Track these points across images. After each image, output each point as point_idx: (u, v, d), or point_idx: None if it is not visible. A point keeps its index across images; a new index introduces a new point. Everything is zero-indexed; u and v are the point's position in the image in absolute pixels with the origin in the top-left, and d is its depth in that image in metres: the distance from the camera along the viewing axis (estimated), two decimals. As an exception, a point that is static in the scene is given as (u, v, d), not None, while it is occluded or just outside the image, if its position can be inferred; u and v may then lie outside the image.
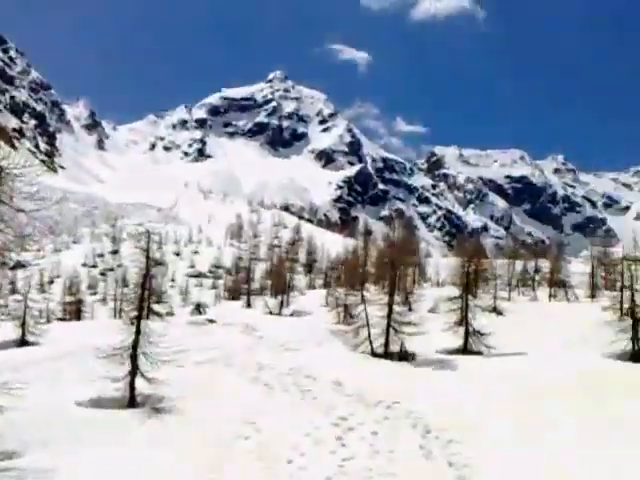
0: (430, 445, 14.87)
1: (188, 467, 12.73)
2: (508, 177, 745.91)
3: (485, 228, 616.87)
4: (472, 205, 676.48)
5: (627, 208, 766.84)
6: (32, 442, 14.81)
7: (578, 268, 74.21)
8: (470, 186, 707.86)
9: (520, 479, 12.63)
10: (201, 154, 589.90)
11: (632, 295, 31.38)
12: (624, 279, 40.82)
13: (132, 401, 19.22)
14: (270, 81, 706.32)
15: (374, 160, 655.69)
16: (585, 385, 23.20)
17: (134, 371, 19.39)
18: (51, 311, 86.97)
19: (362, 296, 31.66)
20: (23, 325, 39.32)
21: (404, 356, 29.38)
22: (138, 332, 19.65)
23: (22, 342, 38.20)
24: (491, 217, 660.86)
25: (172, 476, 12.26)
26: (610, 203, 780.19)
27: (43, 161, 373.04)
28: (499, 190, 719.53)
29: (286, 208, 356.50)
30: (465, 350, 31.78)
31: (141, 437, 15.43)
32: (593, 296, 62.95)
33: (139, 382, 19.27)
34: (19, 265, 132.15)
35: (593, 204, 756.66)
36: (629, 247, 50.21)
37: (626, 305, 32.16)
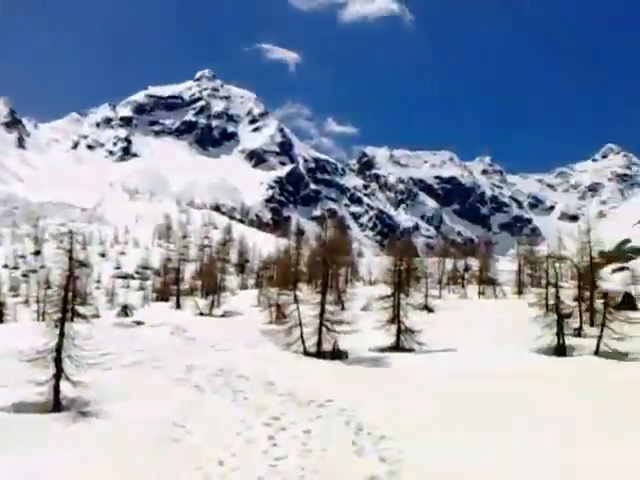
0: (362, 442, 14.92)
1: (116, 471, 12.36)
2: (438, 178, 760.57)
3: (416, 228, 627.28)
4: (403, 205, 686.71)
5: (551, 208, 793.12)
6: None
7: (506, 266, 76.31)
8: (401, 186, 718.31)
9: (450, 473, 12.73)
10: (126, 153, 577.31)
11: (556, 292, 32.36)
12: (549, 276, 42.12)
13: (57, 405, 18.51)
14: (198, 80, 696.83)
15: (306, 160, 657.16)
16: (514, 378, 23.78)
17: (58, 374, 18.68)
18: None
19: (294, 295, 31.61)
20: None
21: (337, 355, 29.46)
22: (62, 335, 18.99)
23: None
24: (422, 217, 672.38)
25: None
26: (535, 203, 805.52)
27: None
28: (429, 190, 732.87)
29: (216, 208, 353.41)
30: (397, 347, 32.09)
31: (65, 441, 14.89)
32: (520, 293, 64.83)
33: (64, 386, 18.57)
34: None
35: (519, 204, 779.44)
36: (553, 246, 52.19)
37: (551, 301, 33.16)
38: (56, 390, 18.65)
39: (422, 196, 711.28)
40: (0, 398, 19.16)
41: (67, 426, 16.05)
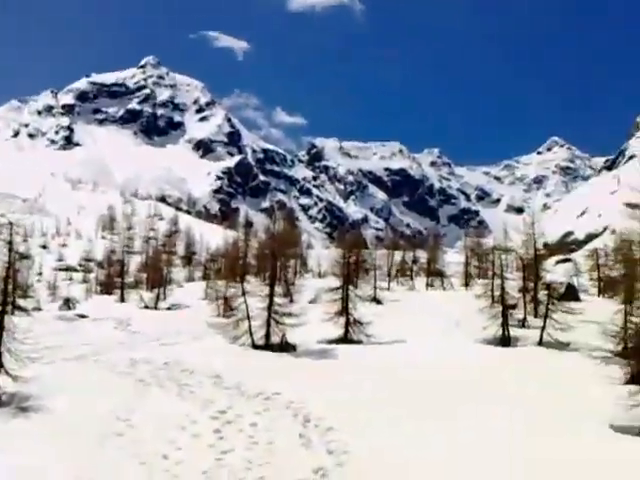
0: (309, 434, 14.92)
1: (58, 467, 12.02)
2: (387, 169, 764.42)
3: (365, 219, 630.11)
4: (353, 197, 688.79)
5: (498, 201, 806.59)
6: None
7: (453, 258, 77.44)
8: (350, 178, 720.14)
9: (397, 464, 12.79)
10: (69, 142, 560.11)
11: (502, 283, 32.98)
12: (495, 268, 42.87)
13: None
14: (142, 67, 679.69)
15: (254, 151, 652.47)
16: (460, 369, 24.09)
17: None
18: None
19: (242, 288, 31.32)
20: None
21: (285, 347, 29.37)
22: (2, 328, 18.44)
23: None
24: (371, 209, 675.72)
25: (41, 477, 11.52)
26: (483, 196, 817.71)
27: None
28: (379, 182, 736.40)
29: (162, 199, 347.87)
30: (345, 339, 32.21)
31: (6, 437, 14.43)
32: (467, 285, 65.79)
33: (4, 380, 18.00)
34: None
35: (467, 196, 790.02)
36: (499, 238, 53.02)
37: (497, 293, 33.74)
38: (-5, 386, 18.08)
39: (371, 188, 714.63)
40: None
41: (7, 421, 15.55)
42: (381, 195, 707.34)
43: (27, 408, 16.71)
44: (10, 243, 19.83)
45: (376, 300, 48.64)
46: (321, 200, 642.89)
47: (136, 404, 17.03)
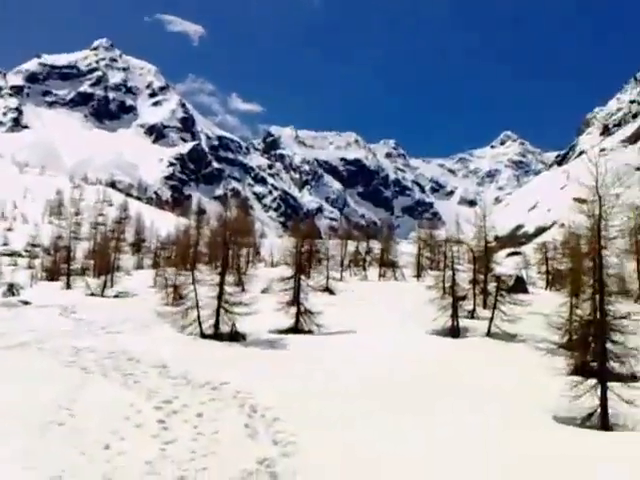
0: (256, 424, 14.77)
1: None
2: (343, 159, 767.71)
3: (320, 209, 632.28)
4: (308, 186, 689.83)
5: (452, 193, 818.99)
6: None
7: (406, 249, 78.17)
8: (306, 167, 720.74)
9: (342, 454, 12.77)
10: (17, 124, 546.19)
11: (453, 275, 33.38)
12: (446, 259, 43.40)
13: None
14: (95, 49, 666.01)
15: (209, 138, 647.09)
16: (410, 360, 24.24)
17: None
18: None
19: (193, 276, 30.95)
20: None
21: (234, 336, 29.14)
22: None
23: None
24: (326, 199, 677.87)
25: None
26: (437, 188, 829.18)
27: None
28: (334, 172, 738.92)
29: (112, 184, 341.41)
30: (296, 329, 32.16)
31: None
32: (419, 276, 66.55)
33: None
34: None
35: (422, 188, 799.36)
36: (452, 230, 53.64)
37: (448, 284, 34.12)
38: None
39: (327, 177, 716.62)
40: None
41: None
42: (336, 185, 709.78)
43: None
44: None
45: (328, 290, 48.75)
46: (276, 189, 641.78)
47: (79, 393, 16.62)
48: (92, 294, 53.23)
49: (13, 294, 55.06)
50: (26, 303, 43.64)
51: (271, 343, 27.88)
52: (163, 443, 12.94)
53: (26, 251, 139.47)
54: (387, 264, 70.78)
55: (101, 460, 11.68)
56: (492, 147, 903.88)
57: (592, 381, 16.07)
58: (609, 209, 16.92)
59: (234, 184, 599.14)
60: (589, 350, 17.85)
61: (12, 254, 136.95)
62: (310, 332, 31.90)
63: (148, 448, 12.54)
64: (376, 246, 77.24)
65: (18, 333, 28.30)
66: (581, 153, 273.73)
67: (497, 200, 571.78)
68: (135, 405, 15.72)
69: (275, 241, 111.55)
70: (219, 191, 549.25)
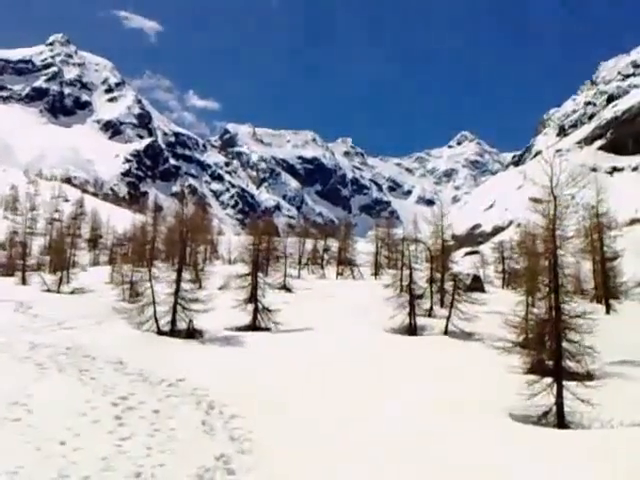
0: (213, 421, 14.84)
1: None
2: (300, 158, 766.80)
3: (278, 207, 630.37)
4: (265, 184, 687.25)
5: (409, 192, 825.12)
6: None
7: (364, 248, 78.42)
8: (263, 165, 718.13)
9: (298, 453, 12.88)
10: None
11: (410, 273, 33.72)
12: (404, 258, 43.81)
13: None
14: (50, 44, 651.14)
15: (165, 134, 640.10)
16: (367, 356, 24.46)
17: None
18: None
19: (149, 273, 30.69)
20: None
21: (191, 334, 28.99)
22: None
23: None
24: (284, 197, 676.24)
25: None
26: (394, 187, 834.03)
27: None
28: (292, 170, 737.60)
29: (68, 180, 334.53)
30: (254, 327, 32.13)
31: None
32: (377, 274, 67.00)
33: None
34: None
35: (379, 187, 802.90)
36: (409, 229, 54.28)
37: (405, 283, 34.44)
38: None
39: (284, 176, 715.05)
40: None
41: None
42: (294, 183, 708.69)
43: None
44: None
45: (286, 288, 48.80)
46: (233, 186, 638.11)
47: (34, 389, 16.36)
48: (48, 290, 52.37)
49: (-34, 289, 53.79)
50: (-20, 298, 42.65)
51: (228, 340, 27.82)
52: (119, 439, 12.87)
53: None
54: (345, 262, 71.06)
55: (57, 456, 11.56)
56: (449, 147, 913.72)
57: (548, 379, 16.22)
58: (564, 209, 17.10)
59: (191, 181, 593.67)
60: (545, 349, 18.03)
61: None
62: (267, 329, 31.91)
63: (104, 444, 12.46)
64: (334, 244, 77.46)
65: (-30, 329, 27.69)
66: (537, 154, 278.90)
67: (455, 199, 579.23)
68: (91, 401, 15.56)
69: (233, 238, 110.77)
70: (176, 188, 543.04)
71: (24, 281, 61.41)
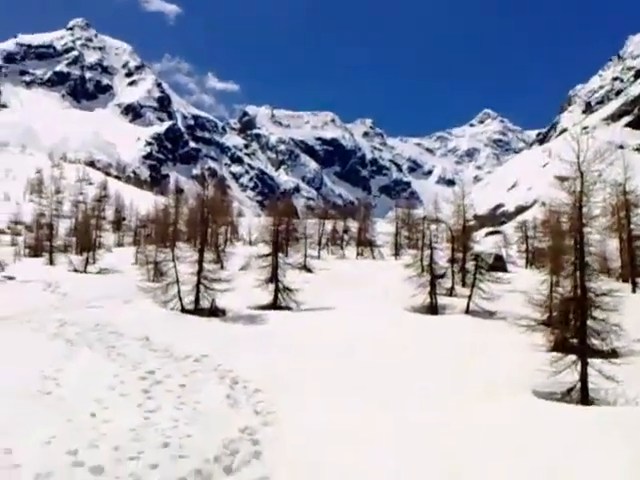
0: (237, 395, 15.16)
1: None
2: (319, 139, 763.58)
3: (297, 189, 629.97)
4: (284, 166, 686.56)
5: (430, 172, 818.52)
6: None
7: (384, 228, 78.28)
8: (282, 147, 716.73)
9: (319, 424, 13.13)
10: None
11: (431, 253, 33.78)
12: (424, 238, 43.75)
13: None
14: (71, 29, 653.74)
15: (185, 117, 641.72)
16: (385, 334, 24.66)
17: None
18: None
19: (172, 253, 31.20)
20: None
21: (214, 312, 29.49)
22: None
23: None
24: (303, 178, 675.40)
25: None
26: (415, 167, 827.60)
27: None
28: (311, 152, 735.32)
29: (91, 164, 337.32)
30: (275, 306, 32.50)
31: None
32: (397, 254, 66.93)
33: None
34: None
35: (399, 168, 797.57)
36: (430, 209, 54.13)
37: (426, 262, 34.53)
38: None
39: (303, 157, 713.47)
40: None
41: None
42: (313, 165, 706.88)
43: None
44: None
45: (306, 268, 49.03)
46: (252, 168, 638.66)
47: (65, 364, 16.82)
48: (75, 270, 53.26)
49: (-2, 269, 54.89)
50: (10, 278, 43.53)
51: (250, 318, 28.22)
52: (147, 412, 13.20)
53: (9, 228, 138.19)
54: (365, 243, 71.05)
55: (87, 427, 11.91)
56: (471, 125, 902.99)
57: (572, 357, 16.15)
58: (591, 186, 16.83)
59: (211, 164, 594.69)
60: (569, 327, 17.92)
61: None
62: (288, 308, 32.27)
63: (132, 416, 12.79)
64: (353, 225, 77.45)
65: (3, 307, 28.34)
66: (563, 131, 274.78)
67: (476, 179, 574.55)
68: (119, 376, 15.98)
69: (253, 220, 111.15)
70: (196, 170, 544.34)
71: (52, 262, 62.50)
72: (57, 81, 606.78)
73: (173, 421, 12.69)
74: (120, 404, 13.58)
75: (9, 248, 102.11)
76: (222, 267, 38.65)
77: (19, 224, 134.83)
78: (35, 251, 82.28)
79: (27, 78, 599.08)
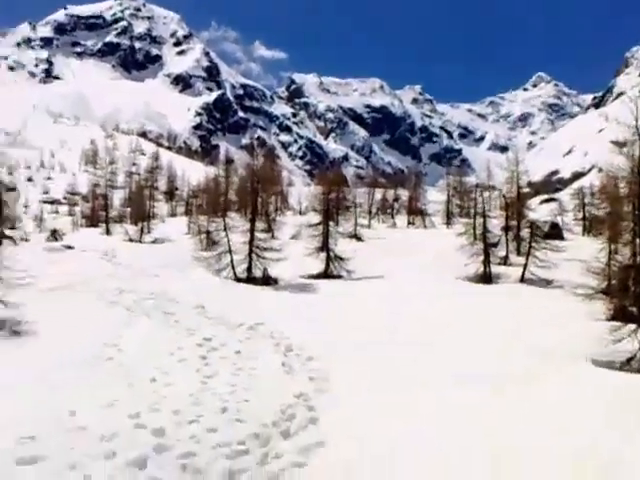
0: (291, 362, 15.35)
1: (47, 388, 12.24)
2: (368, 106, 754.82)
3: (346, 157, 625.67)
4: (333, 134, 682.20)
5: (481, 139, 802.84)
6: None
7: (435, 197, 77.65)
8: (330, 115, 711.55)
9: (374, 392, 13.20)
10: (49, 75, 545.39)
11: (484, 221, 33.38)
12: (477, 206, 43.21)
13: None
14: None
15: (233, 87, 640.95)
16: (438, 303, 24.57)
17: None
18: None
19: (224, 223, 31.57)
20: None
21: (267, 280, 29.84)
22: (-10, 256, 18.65)
23: None
24: (352, 147, 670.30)
25: (30, 397, 11.74)
26: (465, 134, 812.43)
27: None
28: (359, 119, 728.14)
29: (143, 134, 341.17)
30: (326, 274, 32.67)
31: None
32: (448, 223, 66.34)
33: None
34: None
35: (450, 134, 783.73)
36: (482, 176, 53.26)
37: (478, 231, 34.16)
38: (-13, 310, 18.47)
39: (352, 125, 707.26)
40: None
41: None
42: (362, 133, 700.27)
43: (18, 332, 16.97)
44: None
45: (357, 237, 49.07)
46: (301, 137, 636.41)
47: (124, 331, 17.31)
48: (130, 240, 54.42)
49: (56, 239, 56.48)
50: (69, 248, 44.62)
51: (302, 287, 28.46)
52: (205, 377, 13.48)
53: (65, 199, 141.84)
54: (415, 212, 70.55)
55: (148, 391, 12.25)
56: (525, 90, 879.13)
57: (632, 326, 15.79)
58: None
59: (260, 133, 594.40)
60: (629, 295, 17.53)
61: (53, 202, 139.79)
62: (339, 277, 32.41)
63: (191, 382, 13.09)
64: (404, 194, 76.94)
65: (64, 275, 29.10)
66: (620, 95, 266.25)
67: (530, 145, 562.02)
68: (177, 342, 16.34)
69: (302, 189, 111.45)
70: (245, 140, 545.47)
71: (108, 231, 64.08)
72: (107, 52, 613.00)
73: (230, 386, 12.91)
74: (179, 370, 13.90)
75: (67, 218, 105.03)
76: (273, 236, 38.96)
77: (75, 195, 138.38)
78: (91, 221, 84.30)
79: (78, 49, 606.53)
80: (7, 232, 21.17)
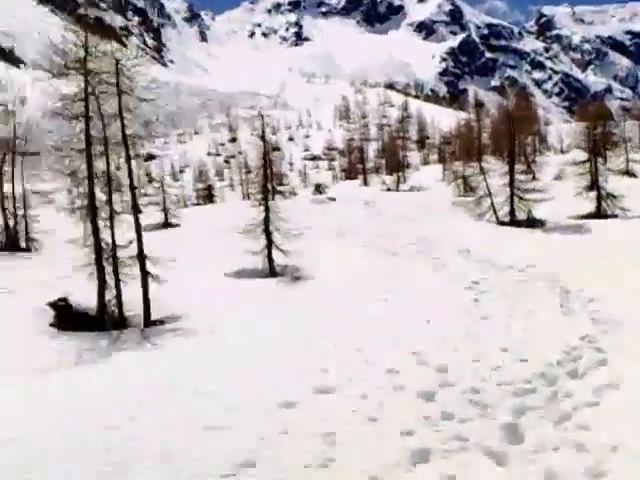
0: (570, 304, 14.59)
1: (327, 314, 13.58)
2: (629, 33, 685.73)
3: (608, 90, 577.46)
4: (591, 66, 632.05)
5: None
6: (193, 306, 16.02)
7: None
8: (587, 46, 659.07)
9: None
10: (299, 37, 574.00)
11: None
12: None
13: (272, 271, 20.56)
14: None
15: (478, 27, 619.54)
16: None
17: (270, 244, 20.69)
18: (186, 197, 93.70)
19: (480, 167, 31.09)
20: (164, 209, 42.14)
21: (532, 223, 28.84)
22: (267, 209, 20.42)
23: (165, 224, 40.76)
24: (614, 77, 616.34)
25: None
26: None
27: (153, 57, 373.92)
28: (621, 48, 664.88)
29: (390, 86, 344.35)
30: (598, 214, 30.71)
31: (295, 298, 16.73)
32: None
33: (275, 254, 20.60)
34: (150, 157, 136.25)
35: None
36: None
37: None
38: (269, 258, 20.75)
39: (612, 55, 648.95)
40: (223, 266, 21.21)
41: (290, 287, 18.10)
42: (625, 62, 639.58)
43: (299, 277, 18.58)
44: (263, 134, 21.58)
45: (629, 173, 45.47)
46: (556, 73, 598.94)
47: (392, 275, 17.99)
48: (388, 189, 55.89)
49: (320, 192, 60.17)
50: (332, 199, 47.03)
51: (572, 228, 27.01)
52: (480, 318, 13.51)
53: (324, 154, 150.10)
54: None
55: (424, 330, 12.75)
56: None
57: None
58: None
59: (510, 72, 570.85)
60: None
61: (313, 158, 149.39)
62: (614, 216, 30.24)
63: (467, 321, 13.25)
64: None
65: (331, 225, 30.55)
66: None
67: None
68: (446, 285, 16.55)
69: (561, 127, 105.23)
70: (495, 81, 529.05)
71: (365, 182, 66.63)
72: (351, 8, 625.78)
73: (506, 327, 12.78)
74: (452, 312, 14.08)
75: (327, 172, 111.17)
76: (534, 177, 37.43)
77: (333, 150, 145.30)
78: (349, 174, 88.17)
79: (323, 9, 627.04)
80: (277, 187, 23.14)
